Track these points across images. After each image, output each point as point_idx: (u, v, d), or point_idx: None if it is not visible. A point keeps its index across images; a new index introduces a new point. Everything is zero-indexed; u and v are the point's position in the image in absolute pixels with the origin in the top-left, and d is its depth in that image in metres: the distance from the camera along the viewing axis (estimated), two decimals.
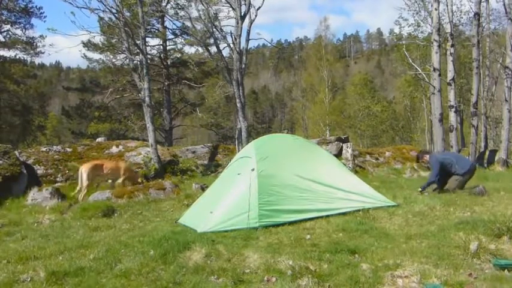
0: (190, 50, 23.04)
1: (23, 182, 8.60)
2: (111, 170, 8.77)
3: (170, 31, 22.39)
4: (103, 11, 10.41)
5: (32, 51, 25.04)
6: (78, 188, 8.42)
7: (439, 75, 14.90)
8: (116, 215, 6.92)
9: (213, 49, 12.98)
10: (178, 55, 22.63)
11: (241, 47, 11.73)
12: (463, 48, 23.24)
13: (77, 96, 29.90)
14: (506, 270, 3.86)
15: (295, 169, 6.24)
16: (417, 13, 21.08)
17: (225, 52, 13.00)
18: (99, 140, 12.79)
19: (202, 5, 12.02)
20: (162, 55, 22.32)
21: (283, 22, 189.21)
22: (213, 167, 11.44)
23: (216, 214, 5.63)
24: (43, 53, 25.33)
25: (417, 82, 26.61)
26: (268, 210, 5.63)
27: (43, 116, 30.98)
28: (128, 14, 13.26)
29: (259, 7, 11.90)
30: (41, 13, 24.73)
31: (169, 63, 22.38)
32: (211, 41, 12.45)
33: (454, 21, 16.87)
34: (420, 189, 7.32)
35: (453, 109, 14.56)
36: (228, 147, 13.24)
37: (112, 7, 10.27)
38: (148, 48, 17.87)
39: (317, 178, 6.22)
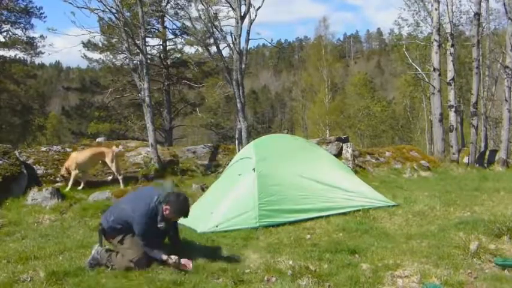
0: (190, 50, 23.01)
1: (23, 182, 8.54)
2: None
3: (170, 31, 22.41)
4: (103, 11, 10.37)
5: (32, 52, 25.04)
6: None
7: (439, 75, 14.90)
8: None
9: (213, 49, 12.94)
10: (178, 55, 22.61)
11: (241, 47, 11.71)
12: (463, 48, 23.24)
13: (76, 96, 29.87)
14: (506, 270, 3.86)
15: (295, 169, 6.24)
16: (417, 13, 21.12)
17: (225, 52, 12.94)
18: (99, 140, 12.76)
19: (202, 5, 11.99)
20: (162, 55, 22.31)
21: (284, 17, 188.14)
22: (213, 167, 11.39)
23: (216, 214, 5.63)
24: (43, 53, 25.36)
25: (417, 82, 26.61)
26: (268, 210, 5.64)
27: (43, 116, 30.88)
28: (127, 14, 13.21)
29: (259, 7, 11.88)
30: (41, 13, 24.71)
31: (169, 63, 22.37)
32: (211, 41, 12.43)
33: (454, 21, 16.85)
34: None
35: (453, 109, 14.56)
36: (228, 147, 13.19)
37: (112, 7, 10.23)
38: (148, 48, 17.84)
39: (317, 178, 6.22)
